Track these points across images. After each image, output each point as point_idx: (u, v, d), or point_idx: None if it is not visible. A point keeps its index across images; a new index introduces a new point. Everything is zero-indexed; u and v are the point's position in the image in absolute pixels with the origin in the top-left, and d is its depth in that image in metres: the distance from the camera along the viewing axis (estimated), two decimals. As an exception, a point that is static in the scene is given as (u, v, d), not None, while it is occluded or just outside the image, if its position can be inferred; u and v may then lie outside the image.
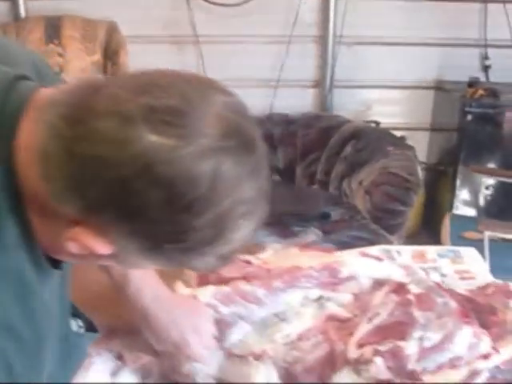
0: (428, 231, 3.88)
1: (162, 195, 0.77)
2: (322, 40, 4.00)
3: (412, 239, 3.57)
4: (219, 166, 0.78)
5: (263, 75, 3.99)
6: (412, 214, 3.55)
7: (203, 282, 1.50)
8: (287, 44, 3.91)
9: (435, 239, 3.42)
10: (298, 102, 4.02)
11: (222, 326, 1.39)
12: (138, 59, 3.56)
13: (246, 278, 1.49)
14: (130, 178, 0.77)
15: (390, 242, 3.02)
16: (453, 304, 1.41)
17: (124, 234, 0.82)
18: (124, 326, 1.45)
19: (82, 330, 1.30)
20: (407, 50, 3.96)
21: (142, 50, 3.72)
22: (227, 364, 1.34)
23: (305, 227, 3.16)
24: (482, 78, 3.91)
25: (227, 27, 3.91)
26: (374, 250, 1.89)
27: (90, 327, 1.32)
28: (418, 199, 3.66)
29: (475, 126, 3.63)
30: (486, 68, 3.97)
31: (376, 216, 3.32)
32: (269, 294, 1.47)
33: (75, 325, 1.29)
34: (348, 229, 3.20)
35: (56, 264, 0.98)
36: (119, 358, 1.42)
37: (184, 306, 1.35)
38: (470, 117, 3.59)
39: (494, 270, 2.33)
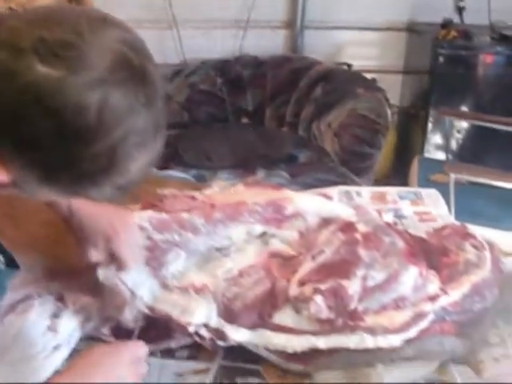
0: (399, 175, 3.84)
1: (52, 125, 0.80)
2: (293, -20, 3.91)
3: (382, 183, 3.54)
4: (107, 97, 0.81)
5: (233, 16, 3.90)
6: (382, 158, 3.52)
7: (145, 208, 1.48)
8: (257, -17, 3.82)
9: (405, 183, 3.40)
10: (268, 43, 3.95)
11: (157, 252, 1.36)
12: None
13: (188, 212, 1.46)
14: (20, 109, 0.79)
15: (358, 185, 2.99)
16: (400, 243, 1.38)
17: (20, 164, 0.84)
18: (64, 268, 1.42)
19: (2, 266, 1.27)
20: (380, -10, 3.88)
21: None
22: (164, 294, 1.31)
23: (272, 170, 3.12)
24: (456, 20, 3.83)
25: (196, -34, 3.81)
26: (334, 190, 1.87)
27: (11, 263, 1.29)
28: (388, 142, 3.64)
29: (447, 69, 3.57)
30: (460, 9, 3.88)
31: (344, 158, 3.29)
32: (207, 225, 1.44)
33: None
34: (315, 171, 3.16)
35: None
36: (60, 299, 1.39)
37: (116, 210, 1.37)
38: (441, 59, 3.53)
39: (460, 214, 2.32)
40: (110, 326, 1.32)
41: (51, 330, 1.29)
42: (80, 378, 1.05)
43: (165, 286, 1.32)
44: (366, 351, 1.18)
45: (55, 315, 1.33)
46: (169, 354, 1.28)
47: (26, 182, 0.88)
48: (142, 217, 1.41)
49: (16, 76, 0.79)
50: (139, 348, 1.16)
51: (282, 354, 1.22)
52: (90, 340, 1.32)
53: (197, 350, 1.28)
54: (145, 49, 0.89)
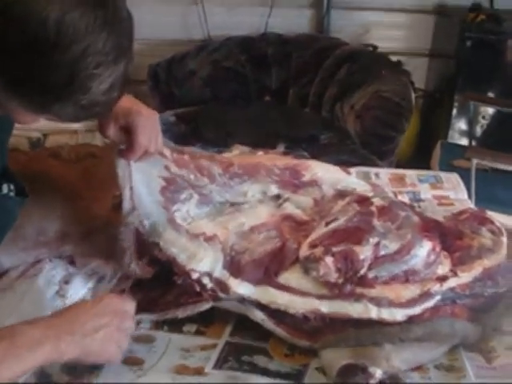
0: (421, 159, 3.81)
1: (15, 33, 0.89)
2: (322, -42, 3.86)
3: (404, 166, 3.50)
4: (65, 13, 0.89)
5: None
6: (405, 141, 3.49)
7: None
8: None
9: (427, 167, 3.37)
10: (294, 22, 3.92)
11: (172, 186, 1.37)
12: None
13: (207, 160, 1.47)
14: None
15: (378, 167, 2.97)
16: (415, 218, 1.36)
17: None
18: (76, 231, 1.43)
19: (12, 194, 1.29)
20: (409, -28, 3.81)
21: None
22: (173, 235, 1.30)
23: (292, 149, 3.10)
24: (486, 4, 3.77)
25: None
26: (353, 170, 1.85)
27: (20, 192, 1.31)
28: (412, 126, 3.59)
29: (474, 53, 3.52)
30: (490, -7, 3.82)
31: (366, 141, 3.26)
32: (224, 176, 1.43)
33: (6, 188, 1.28)
34: (337, 153, 3.13)
35: None
36: (71, 263, 1.39)
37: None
38: (469, 42, 3.48)
39: (481, 200, 2.30)
40: (119, 292, 1.31)
41: (60, 295, 1.29)
42: (58, 324, 1.06)
43: (175, 227, 1.31)
44: (374, 329, 1.17)
45: (65, 281, 1.34)
46: (176, 328, 1.26)
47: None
48: (166, 150, 1.41)
49: None
50: (125, 302, 1.16)
51: (289, 328, 1.21)
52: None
53: (205, 325, 1.27)
54: None
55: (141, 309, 1.23)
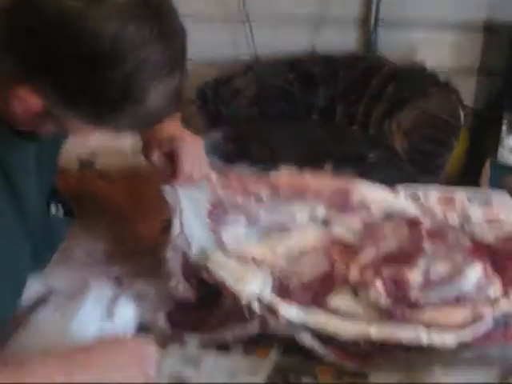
0: (470, 178, 3.76)
1: (71, 49, 0.91)
2: (368, -23, 3.85)
3: (452, 185, 3.45)
4: (122, 28, 0.91)
5: (306, 12, 3.87)
6: (454, 159, 3.44)
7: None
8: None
9: (477, 186, 3.33)
10: (340, 40, 3.90)
11: (219, 209, 1.37)
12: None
13: (254, 183, 1.47)
14: (48, 35, 0.91)
15: (426, 186, 2.94)
16: (466, 241, 1.35)
17: (47, 88, 0.95)
18: (123, 252, 1.44)
19: (60, 215, 1.31)
20: (457, -12, 3.78)
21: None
22: (221, 257, 1.30)
23: (340, 168, 3.08)
24: (537, 20, 3.72)
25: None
26: (401, 190, 1.83)
27: (68, 213, 1.34)
28: (461, 144, 3.55)
29: (523, 69, 3.45)
30: (540, 9, 3.76)
31: (414, 158, 3.23)
32: (271, 199, 1.43)
33: (54, 208, 1.30)
34: (385, 171, 3.11)
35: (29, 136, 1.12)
36: (117, 284, 1.40)
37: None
38: (518, 59, 3.43)
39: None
40: (165, 312, 1.31)
41: (108, 316, 1.30)
42: (75, 365, 1.04)
43: (223, 250, 1.31)
44: (424, 352, 1.15)
45: (112, 300, 1.34)
46: (223, 349, 1.26)
47: (54, 108, 0.98)
48: (212, 175, 1.42)
49: (48, 8, 0.91)
50: (148, 347, 1.14)
51: (338, 350, 1.20)
52: (145, 330, 1.31)
53: (252, 347, 1.26)
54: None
55: (187, 329, 1.23)
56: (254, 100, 3.70)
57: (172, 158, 1.35)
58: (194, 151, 1.36)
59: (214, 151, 3.21)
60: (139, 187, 1.60)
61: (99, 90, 0.94)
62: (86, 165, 3.25)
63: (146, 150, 1.38)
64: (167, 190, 1.34)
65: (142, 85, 0.95)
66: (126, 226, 1.48)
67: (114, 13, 0.92)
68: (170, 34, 0.98)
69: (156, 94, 0.97)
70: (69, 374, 1.02)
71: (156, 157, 1.35)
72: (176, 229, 1.31)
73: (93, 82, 0.93)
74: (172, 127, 1.37)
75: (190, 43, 1.07)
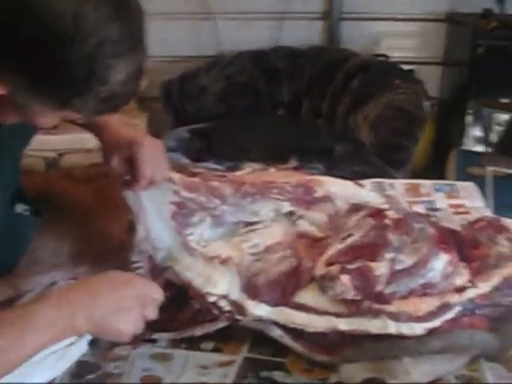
0: (437, 168, 3.80)
1: (34, 30, 0.91)
2: (330, -30, 3.86)
3: (419, 175, 3.48)
4: (82, 6, 0.91)
5: (269, 7, 3.88)
6: (420, 150, 3.47)
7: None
8: (294, -26, 3.78)
9: (443, 176, 3.36)
10: (304, 34, 3.92)
11: (183, 210, 1.36)
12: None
13: (218, 182, 1.47)
14: (8, 19, 0.91)
15: (394, 178, 2.95)
16: (431, 230, 1.35)
17: (9, 71, 0.95)
18: (90, 253, 1.43)
19: (27, 213, 1.30)
20: (419, -19, 3.81)
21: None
22: (188, 259, 1.29)
23: (306, 162, 3.09)
24: (497, 10, 3.75)
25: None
26: (367, 182, 1.84)
27: (35, 214, 1.32)
28: (427, 135, 3.58)
29: (487, 60, 3.49)
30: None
31: (380, 151, 3.24)
32: (235, 197, 1.43)
33: (20, 208, 1.29)
34: (351, 164, 3.12)
35: None
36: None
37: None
38: (481, 49, 3.46)
39: (499, 207, 2.28)
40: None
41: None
42: (75, 300, 1.05)
43: (189, 251, 1.31)
44: (392, 343, 1.16)
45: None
46: (193, 346, 1.25)
47: (18, 92, 0.97)
48: (174, 176, 1.41)
49: None
50: (154, 289, 1.17)
51: (308, 343, 1.20)
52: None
53: (222, 342, 1.26)
54: None
55: (157, 328, 1.23)
56: (220, 96, 3.69)
57: (132, 163, 1.34)
58: (153, 154, 1.35)
59: (181, 148, 3.21)
60: (106, 186, 1.58)
61: (63, 72, 0.94)
62: (52, 164, 3.24)
63: (106, 155, 1.36)
64: (129, 195, 1.33)
65: (105, 63, 0.95)
66: (94, 226, 1.47)
67: None
68: (128, 12, 0.98)
69: (119, 72, 0.97)
70: (71, 317, 1.03)
71: (116, 162, 1.34)
72: (140, 233, 1.31)
73: (56, 63, 0.93)
74: (131, 132, 1.36)
75: (153, 40, 1.07)
